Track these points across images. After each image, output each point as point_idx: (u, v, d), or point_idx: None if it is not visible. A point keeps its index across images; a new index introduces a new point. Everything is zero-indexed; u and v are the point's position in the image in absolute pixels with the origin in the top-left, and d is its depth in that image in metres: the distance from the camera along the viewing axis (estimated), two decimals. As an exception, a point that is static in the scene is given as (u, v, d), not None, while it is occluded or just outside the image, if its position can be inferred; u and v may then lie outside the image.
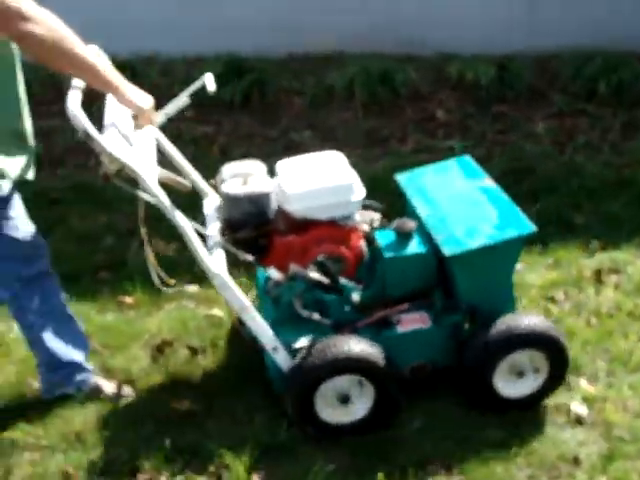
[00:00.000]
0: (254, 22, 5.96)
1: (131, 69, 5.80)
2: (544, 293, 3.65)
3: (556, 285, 3.70)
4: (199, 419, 2.99)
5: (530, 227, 2.83)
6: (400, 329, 2.90)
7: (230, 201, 2.92)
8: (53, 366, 3.03)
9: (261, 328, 2.78)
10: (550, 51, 6.06)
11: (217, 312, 3.54)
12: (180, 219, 2.66)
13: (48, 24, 2.36)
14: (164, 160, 3.13)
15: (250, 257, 2.88)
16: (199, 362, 3.29)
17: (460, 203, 3.00)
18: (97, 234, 4.26)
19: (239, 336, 3.20)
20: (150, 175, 2.62)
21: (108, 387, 3.12)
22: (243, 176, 2.96)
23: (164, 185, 2.74)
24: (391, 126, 5.41)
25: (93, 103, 3.03)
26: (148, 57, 6.20)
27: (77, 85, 2.61)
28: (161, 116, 2.87)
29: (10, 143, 2.67)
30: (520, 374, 2.91)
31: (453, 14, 6.09)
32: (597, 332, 3.38)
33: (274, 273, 2.88)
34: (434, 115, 5.53)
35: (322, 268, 2.86)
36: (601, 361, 3.23)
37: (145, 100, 2.66)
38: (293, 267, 2.85)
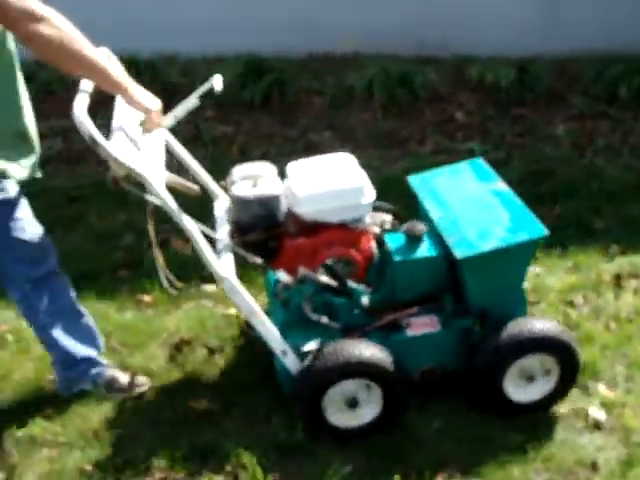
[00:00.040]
0: (274, 22, 5.98)
1: (152, 69, 5.85)
2: (563, 297, 3.63)
3: (575, 289, 3.68)
4: (216, 418, 3.00)
5: (542, 230, 2.81)
6: (410, 333, 2.89)
7: (240, 204, 2.91)
8: (68, 363, 3.06)
9: (270, 332, 2.77)
10: (568, 54, 6.05)
11: (235, 312, 3.54)
12: (187, 223, 2.65)
13: (56, 25, 2.36)
14: (175, 162, 3.16)
15: (259, 260, 2.88)
16: (217, 361, 3.30)
17: (472, 206, 2.99)
18: (116, 232, 4.28)
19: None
20: (157, 179, 2.62)
21: (123, 378, 3.14)
22: (253, 178, 2.95)
23: (172, 189, 2.75)
24: (410, 127, 5.41)
25: (101, 107, 3.04)
26: (169, 57, 6.25)
27: (85, 89, 2.60)
28: (171, 118, 2.85)
29: (12, 144, 2.67)
30: (530, 379, 2.89)
31: (471, 16, 6.08)
32: (616, 337, 3.36)
33: (283, 276, 2.87)
34: (453, 117, 5.53)
35: (331, 271, 2.85)
36: (620, 366, 3.21)
37: (153, 102, 2.64)
38: (302, 270, 2.84)
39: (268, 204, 2.89)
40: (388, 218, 3.11)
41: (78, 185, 4.79)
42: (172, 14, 6.16)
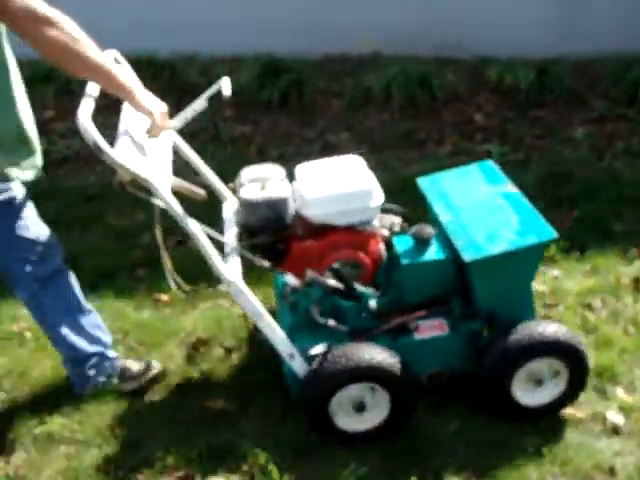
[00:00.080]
0: (291, 23, 6.00)
1: (171, 68, 5.88)
2: (581, 300, 3.61)
3: (593, 292, 3.66)
4: (233, 418, 3.01)
5: (551, 233, 2.79)
6: (417, 336, 2.88)
7: (248, 206, 2.90)
8: (78, 360, 3.07)
9: (277, 335, 2.76)
10: (589, 55, 6.02)
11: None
12: (193, 227, 2.65)
13: (62, 27, 2.36)
14: (184, 163, 3.16)
15: (267, 263, 2.87)
16: (233, 361, 3.30)
17: (481, 208, 2.97)
18: (134, 231, 4.29)
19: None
20: (162, 184, 2.62)
21: (135, 366, 3.17)
22: (261, 180, 2.94)
23: (179, 193, 2.75)
24: (428, 129, 5.40)
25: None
26: (188, 57, 6.27)
27: (90, 94, 2.59)
28: (179, 120, 2.84)
29: (11, 145, 2.66)
30: (539, 382, 2.88)
31: (490, 17, 6.06)
32: (634, 341, 3.33)
33: (291, 279, 2.87)
34: (472, 118, 5.51)
35: (339, 274, 2.83)
36: (638, 370, 3.18)
37: (157, 105, 2.63)
38: (310, 273, 2.83)
39: (276, 207, 2.88)
40: (397, 220, 3.09)
41: (96, 184, 4.81)
42: (191, 14, 6.20)
